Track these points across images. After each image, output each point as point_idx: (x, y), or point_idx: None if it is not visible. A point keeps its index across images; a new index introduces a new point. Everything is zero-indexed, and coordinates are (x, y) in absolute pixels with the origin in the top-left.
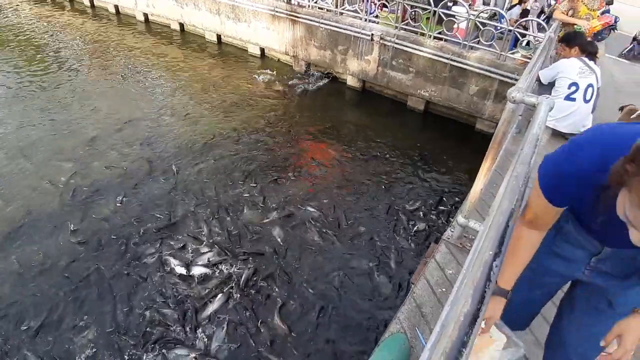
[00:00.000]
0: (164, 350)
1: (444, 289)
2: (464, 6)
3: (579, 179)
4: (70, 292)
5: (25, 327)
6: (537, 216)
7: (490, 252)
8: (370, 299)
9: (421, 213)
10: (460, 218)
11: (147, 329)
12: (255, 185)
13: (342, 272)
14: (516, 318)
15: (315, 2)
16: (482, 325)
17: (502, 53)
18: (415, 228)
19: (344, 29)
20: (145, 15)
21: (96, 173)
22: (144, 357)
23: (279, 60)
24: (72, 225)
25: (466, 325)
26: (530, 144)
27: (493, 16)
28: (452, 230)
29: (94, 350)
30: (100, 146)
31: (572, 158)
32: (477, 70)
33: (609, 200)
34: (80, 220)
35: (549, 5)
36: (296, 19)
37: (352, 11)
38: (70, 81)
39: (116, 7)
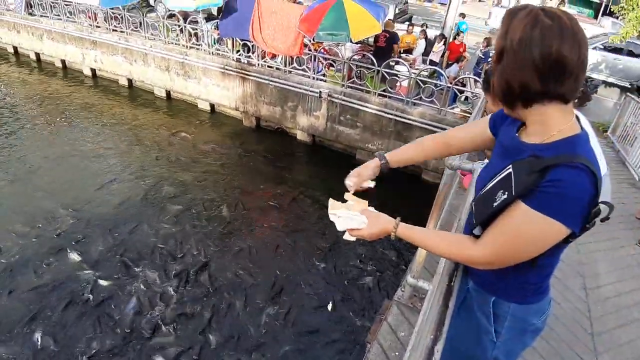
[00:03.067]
0: None
1: (396, 353)
2: (405, 65)
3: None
4: None
5: None
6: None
7: (431, 336)
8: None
9: (374, 269)
10: (409, 278)
11: None
12: (199, 242)
13: (297, 326)
14: None
15: (265, 61)
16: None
17: (443, 108)
18: (368, 285)
19: (293, 87)
20: (93, 70)
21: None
22: None
23: (229, 115)
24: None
25: None
26: (468, 212)
27: (433, 74)
28: (403, 290)
29: None
30: (40, 206)
31: None
32: (420, 125)
33: None
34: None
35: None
36: (246, 76)
37: (301, 69)
38: (11, 138)
39: (63, 61)
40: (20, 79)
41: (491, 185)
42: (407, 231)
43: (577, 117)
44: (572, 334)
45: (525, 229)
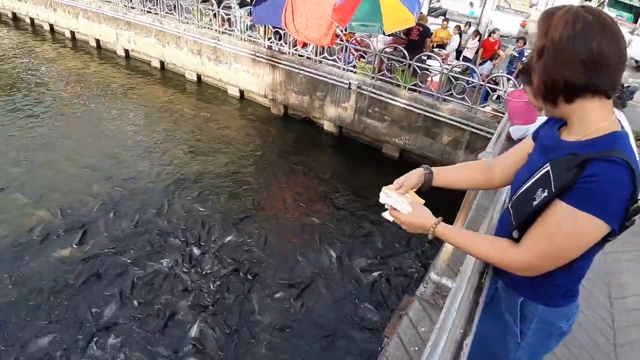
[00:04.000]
0: None
1: (416, 348)
2: (437, 60)
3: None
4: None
5: None
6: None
7: (461, 331)
8: (345, 350)
9: (397, 263)
10: (433, 275)
11: None
12: (227, 222)
13: (315, 316)
14: None
15: (296, 50)
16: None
17: (474, 106)
18: (390, 278)
19: (323, 77)
20: (126, 50)
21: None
22: None
23: (257, 102)
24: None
25: None
26: (499, 212)
27: (465, 70)
28: (425, 286)
29: None
30: (75, 183)
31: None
32: (450, 122)
33: None
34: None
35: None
36: (276, 64)
37: (331, 60)
38: (46, 114)
39: (97, 41)
40: (55, 56)
41: (530, 184)
42: (446, 231)
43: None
44: (594, 342)
45: (565, 228)
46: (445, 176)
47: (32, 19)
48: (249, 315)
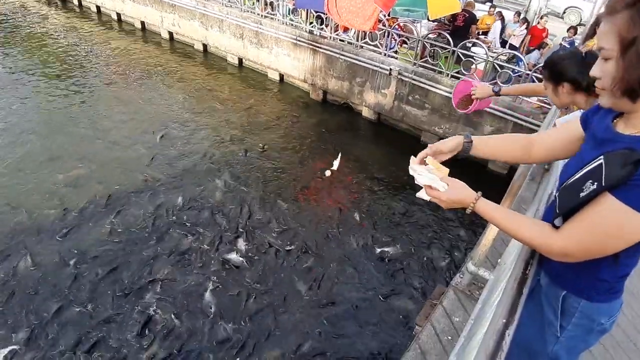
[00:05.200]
0: None
1: (449, 337)
2: (483, 48)
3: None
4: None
5: None
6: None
7: (503, 320)
8: (372, 335)
9: (430, 253)
10: (470, 265)
11: None
12: (265, 204)
13: (345, 303)
14: None
15: (337, 34)
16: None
17: (519, 96)
18: (422, 268)
19: (364, 62)
20: (170, 33)
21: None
22: None
23: (297, 87)
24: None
25: None
26: (545, 204)
27: (511, 59)
28: (461, 276)
29: None
30: (120, 160)
31: None
32: (493, 112)
33: None
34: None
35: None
36: (317, 48)
37: (373, 45)
38: (90, 94)
39: (142, 23)
40: (102, 38)
41: (580, 175)
42: (487, 207)
43: None
44: (632, 343)
45: (611, 222)
46: (484, 148)
47: (80, 1)
48: (278, 295)
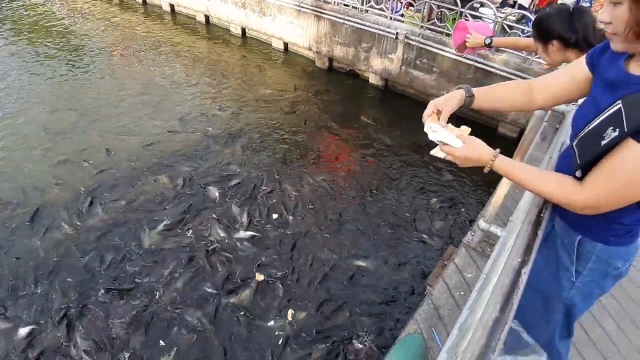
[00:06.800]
0: None
1: (462, 293)
2: (491, 8)
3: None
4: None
5: None
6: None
7: (519, 259)
8: (385, 296)
9: (439, 215)
10: (481, 222)
11: None
12: (269, 176)
13: (356, 266)
14: None
15: None
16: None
17: (529, 57)
18: (432, 230)
19: (369, 27)
20: (172, 5)
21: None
22: None
23: (302, 55)
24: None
25: (495, 331)
26: (558, 153)
27: (521, 19)
28: (473, 234)
29: None
30: (128, 132)
31: None
32: (502, 73)
33: None
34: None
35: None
36: (321, 14)
37: (378, 9)
38: (90, 68)
39: None
40: (101, 12)
41: (598, 122)
42: (506, 164)
43: None
44: None
45: (636, 168)
46: (485, 99)
47: None
48: (289, 256)
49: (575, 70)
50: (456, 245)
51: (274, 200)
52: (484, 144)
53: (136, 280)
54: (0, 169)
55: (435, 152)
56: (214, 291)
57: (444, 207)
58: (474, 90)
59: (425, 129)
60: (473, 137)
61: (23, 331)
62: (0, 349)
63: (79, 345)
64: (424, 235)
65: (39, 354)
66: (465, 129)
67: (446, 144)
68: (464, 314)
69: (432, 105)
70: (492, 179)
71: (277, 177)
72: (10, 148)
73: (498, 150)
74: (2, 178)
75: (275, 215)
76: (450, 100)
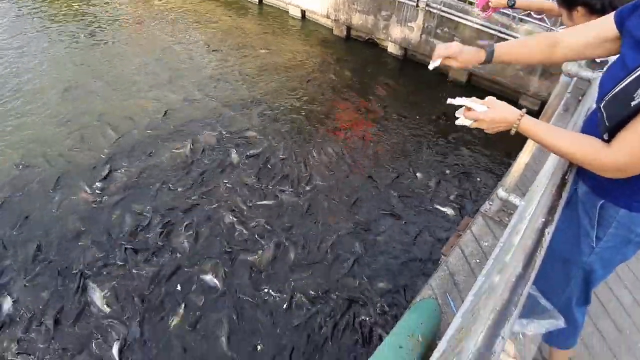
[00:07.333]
0: None
1: (478, 260)
2: None
3: None
4: None
5: None
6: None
7: (542, 219)
8: (399, 264)
9: (455, 187)
10: (500, 191)
11: None
12: (287, 145)
13: (370, 234)
14: None
15: None
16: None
17: (553, 28)
18: (448, 201)
19: None
20: None
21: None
22: None
23: (319, 23)
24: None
25: (517, 287)
26: (584, 117)
27: None
28: (491, 203)
29: None
30: (147, 99)
31: None
32: None
33: None
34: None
35: None
36: None
37: None
38: (113, 35)
39: None
40: None
41: (627, 82)
42: (532, 124)
43: None
44: None
45: None
46: (506, 53)
47: None
48: (303, 223)
49: (602, 28)
50: (472, 216)
51: (290, 168)
52: (508, 105)
53: (154, 241)
54: (22, 135)
55: (461, 121)
56: (229, 249)
57: (460, 179)
58: (496, 45)
59: (449, 101)
60: (495, 99)
61: (46, 291)
62: (26, 306)
63: (98, 301)
64: (440, 207)
65: (60, 310)
66: (492, 99)
67: (471, 109)
68: (480, 280)
69: (442, 49)
70: (509, 152)
71: (293, 145)
72: (32, 113)
73: (524, 110)
74: (24, 143)
75: (290, 183)
76: (469, 50)
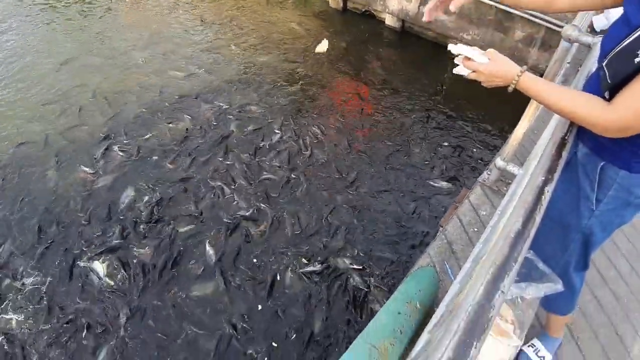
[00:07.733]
0: None
1: (476, 229)
2: None
3: None
4: None
5: None
6: None
7: (542, 178)
8: (397, 234)
9: (452, 160)
10: (499, 161)
11: None
12: (284, 119)
13: (368, 207)
14: None
15: None
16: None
17: None
18: (446, 171)
19: None
20: None
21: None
22: None
23: None
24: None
25: (517, 243)
26: (585, 78)
27: None
28: (489, 173)
29: None
30: (144, 75)
31: None
32: (524, 15)
33: None
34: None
35: None
36: None
37: None
38: (106, 12)
39: None
40: None
41: (631, 39)
42: (533, 81)
43: None
44: None
45: None
46: None
47: None
48: (301, 195)
49: None
50: (470, 188)
51: (288, 143)
52: (510, 60)
53: (155, 214)
54: (16, 112)
55: (459, 69)
56: (227, 220)
57: (458, 152)
58: None
59: (449, 47)
60: (498, 52)
61: (47, 268)
62: (29, 282)
63: (101, 273)
64: (437, 180)
65: (62, 285)
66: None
67: (469, 60)
68: (478, 247)
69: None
70: (507, 127)
71: (290, 119)
72: (27, 90)
73: (526, 67)
74: (23, 120)
75: (289, 157)
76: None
